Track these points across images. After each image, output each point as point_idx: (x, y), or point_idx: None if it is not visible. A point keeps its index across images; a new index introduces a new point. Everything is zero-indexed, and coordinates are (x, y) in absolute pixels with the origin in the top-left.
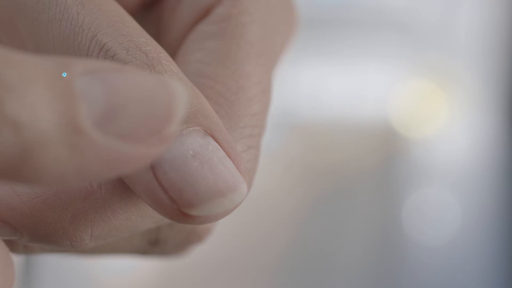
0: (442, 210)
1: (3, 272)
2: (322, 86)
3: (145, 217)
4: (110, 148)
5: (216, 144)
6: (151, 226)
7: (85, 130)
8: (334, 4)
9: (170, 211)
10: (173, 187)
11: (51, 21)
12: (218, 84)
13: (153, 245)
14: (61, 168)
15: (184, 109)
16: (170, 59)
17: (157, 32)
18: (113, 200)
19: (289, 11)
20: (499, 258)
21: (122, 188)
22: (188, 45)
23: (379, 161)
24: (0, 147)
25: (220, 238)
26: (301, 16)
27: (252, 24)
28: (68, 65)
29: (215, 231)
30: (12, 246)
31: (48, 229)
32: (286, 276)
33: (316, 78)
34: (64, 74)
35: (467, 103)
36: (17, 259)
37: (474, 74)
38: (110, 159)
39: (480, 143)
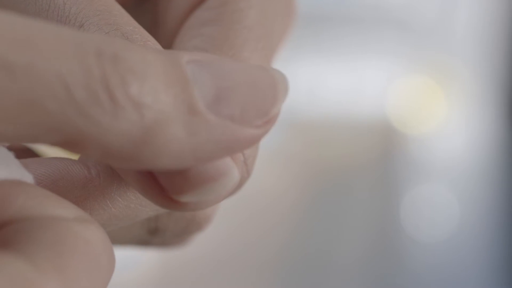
0: (440, 207)
1: (109, 258)
2: (320, 82)
3: (144, 205)
4: (222, 128)
5: None
6: (150, 214)
7: (200, 111)
8: (332, 0)
9: (161, 198)
10: (162, 174)
11: (38, 12)
12: None
13: (152, 234)
14: (179, 147)
15: (286, 93)
16: (158, 46)
17: (154, 20)
18: (112, 188)
19: None
20: (498, 255)
21: (120, 176)
22: (185, 31)
23: (377, 158)
24: (125, 127)
25: (219, 235)
26: (299, 13)
27: (249, 10)
28: (175, 54)
29: (213, 228)
30: None
31: None
32: (285, 273)
33: (314, 75)
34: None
35: (465, 100)
36: None
37: (472, 71)
38: (222, 139)
39: (478, 140)
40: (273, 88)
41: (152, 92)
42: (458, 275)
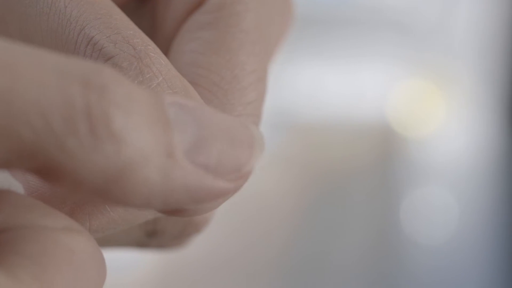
0: (439, 209)
1: (98, 269)
2: (320, 85)
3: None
4: (195, 177)
5: None
6: (149, 217)
7: (177, 156)
8: (332, 3)
9: None
10: None
11: (39, 14)
12: (212, 73)
13: (150, 236)
14: (150, 189)
15: (262, 152)
16: (158, 51)
17: (152, 24)
18: None
19: (285, 1)
20: (497, 257)
21: None
22: (183, 35)
23: (377, 160)
24: (101, 162)
25: (218, 237)
26: (300, 16)
27: (246, 13)
28: (158, 94)
29: (213, 230)
30: None
31: None
32: (284, 275)
33: (314, 78)
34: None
35: (465, 103)
36: None
37: (472, 74)
38: (193, 187)
39: (478, 142)
40: (250, 145)
41: (134, 129)
42: (457, 277)
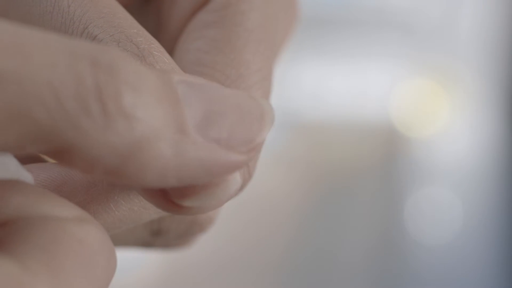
0: (443, 209)
1: (108, 259)
2: (324, 85)
3: (148, 208)
4: (207, 151)
5: None
6: (154, 216)
7: (188, 131)
8: (336, 3)
9: (163, 202)
10: None
11: (43, 13)
12: (217, 72)
13: (155, 235)
14: (163, 165)
15: (272, 123)
16: (162, 50)
17: (157, 22)
18: (115, 191)
19: (290, 0)
20: (501, 257)
21: None
22: (188, 34)
23: (381, 161)
24: (113, 139)
25: (223, 237)
26: (304, 16)
27: (251, 12)
28: (167, 72)
29: (217, 230)
30: None
31: None
32: (288, 275)
33: (318, 78)
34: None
35: (469, 103)
36: None
37: (476, 74)
38: (206, 161)
39: (482, 143)
40: (260, 117)
41: (145, 106)
42: (461, 277)
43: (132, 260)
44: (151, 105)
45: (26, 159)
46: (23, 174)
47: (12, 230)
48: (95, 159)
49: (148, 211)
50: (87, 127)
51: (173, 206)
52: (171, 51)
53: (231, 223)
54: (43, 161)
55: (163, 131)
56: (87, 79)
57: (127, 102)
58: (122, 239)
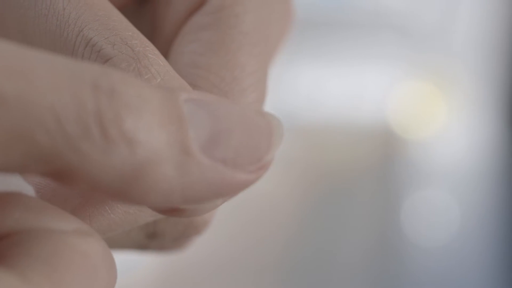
0: (441, 211)
1: (108, 271)
2: (321, 87)
3: (143, 210)
4: (214, 172)
5: None
6: (149, 219)
7: (193, 152)
8: (332, 6)
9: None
10: None
11: (38, 16)
12: (211, 74)
13: (151, 238)
14: (169, 186)
15: (281, 139)
16: (157, 52)
17: (152, 25)
18: None
19: (285, 2)
20: (498, 259)
21: None
22: (183, 36)
23: (378, 163)
24: (116, 163)
25: (220, 239)
26: (300, 18)
27: (245, 15)
28: (173, 92)
29: (214, 231)
30: None
31: None
32: (286, 277)
33: (315, 80)
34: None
35: (466, 105)
36: None
37: (473, 76)
38: (213, 182)
39: (479, 145)
40: (268, 134)
41: (147, 129)
42: (458, 279)
43: (129, 262)
44: (153, 128)
45: None
46: (24, 186)
47: (14, 243)
48: (97, 182)
49: (143, 214)
50: (88, 151)
51: (168, 209)
52: (166, 53)
53: (229, 224)
54: None
55: (167, 153)
56: (88, 103)
57: (128, 125)
58: (118, 242)
